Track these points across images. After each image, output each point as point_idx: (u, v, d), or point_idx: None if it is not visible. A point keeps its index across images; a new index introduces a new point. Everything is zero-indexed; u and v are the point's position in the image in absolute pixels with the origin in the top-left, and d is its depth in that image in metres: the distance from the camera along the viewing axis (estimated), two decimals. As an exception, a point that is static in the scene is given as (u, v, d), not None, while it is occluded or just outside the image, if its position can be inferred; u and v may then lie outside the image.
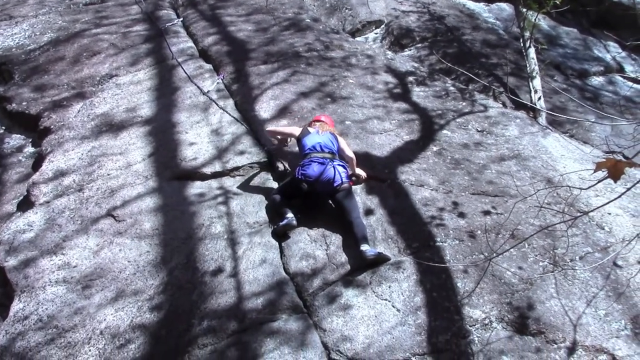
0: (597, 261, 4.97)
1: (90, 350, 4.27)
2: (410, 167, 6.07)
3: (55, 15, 9.80)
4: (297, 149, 5.77)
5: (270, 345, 4.23)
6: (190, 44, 8.86)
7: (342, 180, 5.24)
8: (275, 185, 5.82)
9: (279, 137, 6.16)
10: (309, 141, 5.52)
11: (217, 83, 7.53)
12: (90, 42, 8.72)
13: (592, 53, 10.89)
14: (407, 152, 6.35)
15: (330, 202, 5.41)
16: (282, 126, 6.42)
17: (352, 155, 5.64)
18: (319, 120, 5.86)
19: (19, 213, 5.77)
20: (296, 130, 5.81)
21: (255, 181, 5.90)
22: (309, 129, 5.69)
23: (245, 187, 5.80)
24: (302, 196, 5.42)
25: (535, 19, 8.89)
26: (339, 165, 5.36)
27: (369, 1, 11.05)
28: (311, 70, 7.95)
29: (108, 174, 5.96)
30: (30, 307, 4.63)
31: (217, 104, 6.96)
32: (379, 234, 5.24)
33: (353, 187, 5.56)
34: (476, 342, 4.28)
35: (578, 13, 11.96)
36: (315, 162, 5.29)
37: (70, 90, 7.57)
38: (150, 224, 5.34)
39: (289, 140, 6.17)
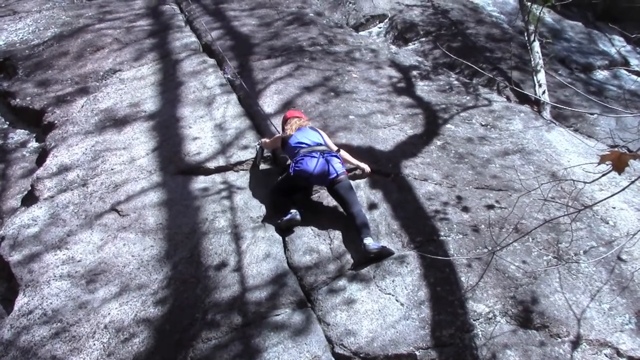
0: (601, 255, 4.96)
1: (94, 345, 4.29)
2: (414, 162, 6.06)
3: (58, 10, 9.82)
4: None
5: (274, 339, 4.23)
6: (194, 38, 8.84)
7: (337, 172, 5.19)
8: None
9: (270, 147, 5.99)
10: (296, 140, 5.40)
11: (226, 77, 7.55)
12: (93, 37, 8.72)
13: (596, 47, 10.84)
14: (411, 147, 6.34)
15: (329, 195, 5.37)
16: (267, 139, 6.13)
17: (335, 147, 5.52)
18: (294, 117, 5.74)
19: (23, 208, 5.78)
20: (279, 136, 5.71)
21: (259, 175, 5.90)
22: (289, 132, 5.56)
23: (249, 181, 5.80)
24: (301, 191, 5.42)
25: (539, 13, 8.85)
26: (331, 157, 5.28)
27: (372, -5, 11.04)
28: (315, 64, 7.94)
29: (112, 169, 5.97)
30: (35, 302, 4.64)
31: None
32: (383, 228, 5.23)
33: (357, 181, 5.54)
34: (480, 336, 4.28)
35: (583, 6, 11.95)
36: (307, 156, 5.21)
37: (74, 86, 7.57)
38: (154, 218, 5.35)
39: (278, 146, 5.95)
